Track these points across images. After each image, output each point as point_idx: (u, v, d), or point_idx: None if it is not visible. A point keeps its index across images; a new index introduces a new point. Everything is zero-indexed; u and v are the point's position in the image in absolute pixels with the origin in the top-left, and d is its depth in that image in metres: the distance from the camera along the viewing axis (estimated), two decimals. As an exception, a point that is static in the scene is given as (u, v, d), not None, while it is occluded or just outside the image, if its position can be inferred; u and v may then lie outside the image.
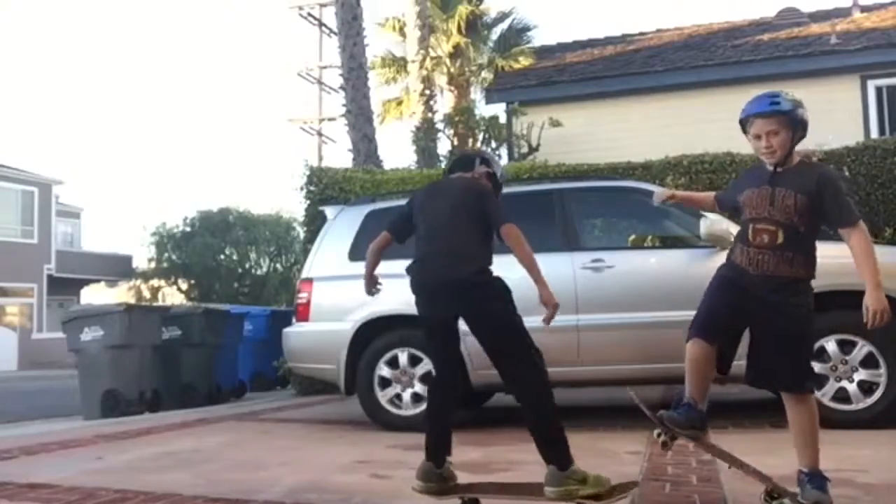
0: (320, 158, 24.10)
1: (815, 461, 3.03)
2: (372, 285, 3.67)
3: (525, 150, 11.58)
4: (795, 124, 3.10)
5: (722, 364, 3.21)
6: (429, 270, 3.25)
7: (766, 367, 3.08)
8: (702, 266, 4.79)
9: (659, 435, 3.20)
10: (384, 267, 6.07)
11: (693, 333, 3.15)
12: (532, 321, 5.60)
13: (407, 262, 3.26)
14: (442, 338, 3.29)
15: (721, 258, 3.29)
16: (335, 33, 13.58)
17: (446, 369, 3.35)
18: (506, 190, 6.71)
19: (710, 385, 3.19)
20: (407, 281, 3.13)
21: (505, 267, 3.23)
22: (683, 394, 3.24)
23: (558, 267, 5.34)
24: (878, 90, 11.00)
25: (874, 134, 10.52)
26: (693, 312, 3.21)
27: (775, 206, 3.06)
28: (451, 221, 3.26)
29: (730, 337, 3.17)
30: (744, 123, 3.20)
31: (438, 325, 3.28)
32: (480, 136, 13.95)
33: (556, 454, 2.95)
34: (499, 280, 3.21)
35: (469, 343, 5.56)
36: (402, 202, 6.47)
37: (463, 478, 3.82)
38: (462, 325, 3.27)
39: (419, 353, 5.55)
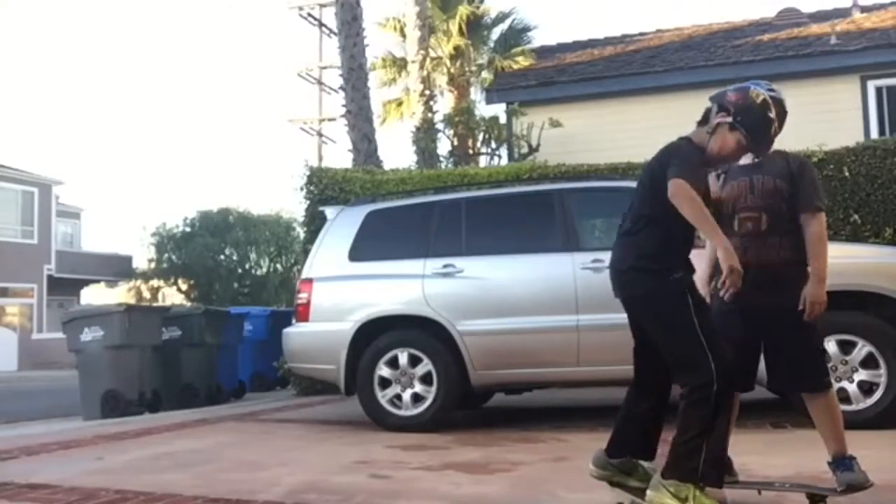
0: (320, 158, 24.06)
1: (840, 447, 3.08)
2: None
3: (525, 150, 11.57)
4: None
5: (747, 382, 3.21)
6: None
7: (786, 373, 3.12)
8: (702, 265, 4.77)
9: None
10: (384, 267, 6.13)
11: None
12: (532, 321, 5.56)
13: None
14: (637, 337, 3.14)
15: None
16: (335, 33, 13.57)
17: (642, 374, 3.14)
18: (506, 190, 6.81)
19: (729, 429, 3.18)
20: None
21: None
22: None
23: (558, 267, 5.33)
24: (878, 90, 10.98)
25: (874, 134, 10.49)
26: None
27: (755, 193, 3.16)
28: (634, 201, 3.19)
29: (746, 362, 3.15)
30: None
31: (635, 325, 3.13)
32: (480, 137, 13.96)
33: (673, 464, 2.84)
34: (668, 274, 3.04)
35: (468, 342, 5.65)
36: (403, 202, 6.56)
37: (463, 478, 3.83)
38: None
39: (419, 354, 5.54)
